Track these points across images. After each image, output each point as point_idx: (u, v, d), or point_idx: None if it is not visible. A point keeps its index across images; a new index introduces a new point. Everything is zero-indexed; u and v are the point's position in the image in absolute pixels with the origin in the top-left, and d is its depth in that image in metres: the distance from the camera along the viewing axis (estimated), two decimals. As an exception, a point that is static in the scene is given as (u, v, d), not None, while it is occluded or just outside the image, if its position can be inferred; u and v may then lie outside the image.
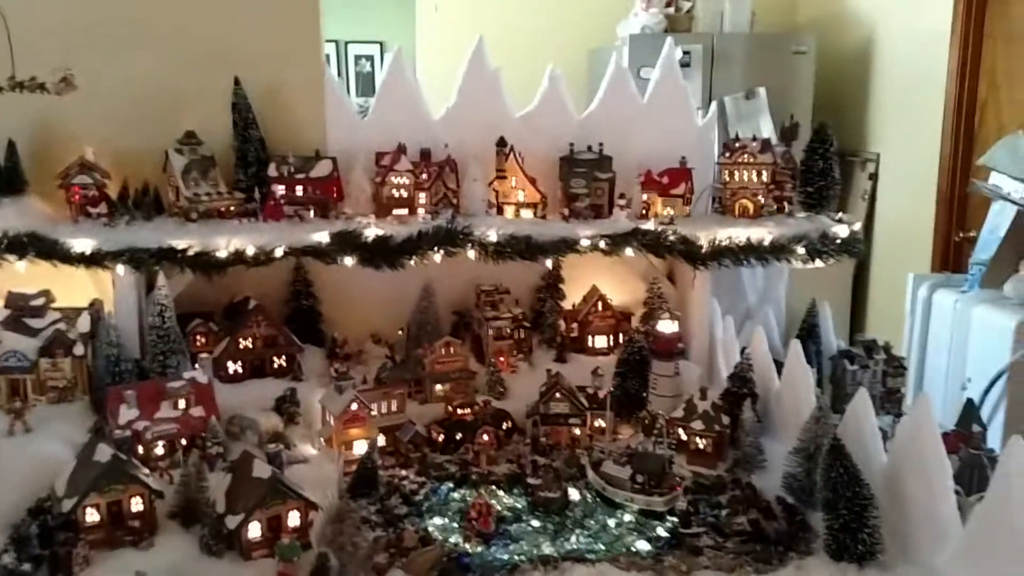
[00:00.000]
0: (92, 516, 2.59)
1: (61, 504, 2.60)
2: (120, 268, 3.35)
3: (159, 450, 3.04)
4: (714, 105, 4.40)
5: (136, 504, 2.65)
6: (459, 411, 3.46)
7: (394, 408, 3.36)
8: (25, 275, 3.38)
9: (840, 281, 6.20)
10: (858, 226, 3.87)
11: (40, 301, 3.39)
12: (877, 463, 2.76)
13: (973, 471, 2.83)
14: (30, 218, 3.42)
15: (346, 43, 10.10)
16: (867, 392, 2.90)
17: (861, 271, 6.30)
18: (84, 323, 3.37)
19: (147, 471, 2.82)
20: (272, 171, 3.69)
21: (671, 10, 6.55)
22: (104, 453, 2.67)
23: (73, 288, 3.55)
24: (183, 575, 2.41)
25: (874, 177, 6.28)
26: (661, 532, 2.81)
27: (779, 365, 3.46)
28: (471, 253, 3.58)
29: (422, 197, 3.75)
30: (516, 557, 2.62)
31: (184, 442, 3.08)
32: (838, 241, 3.73)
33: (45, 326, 3.34)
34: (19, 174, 3.56)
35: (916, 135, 5.82)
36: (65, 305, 3.46)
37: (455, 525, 2.83)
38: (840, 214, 3.93)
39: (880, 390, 3.79)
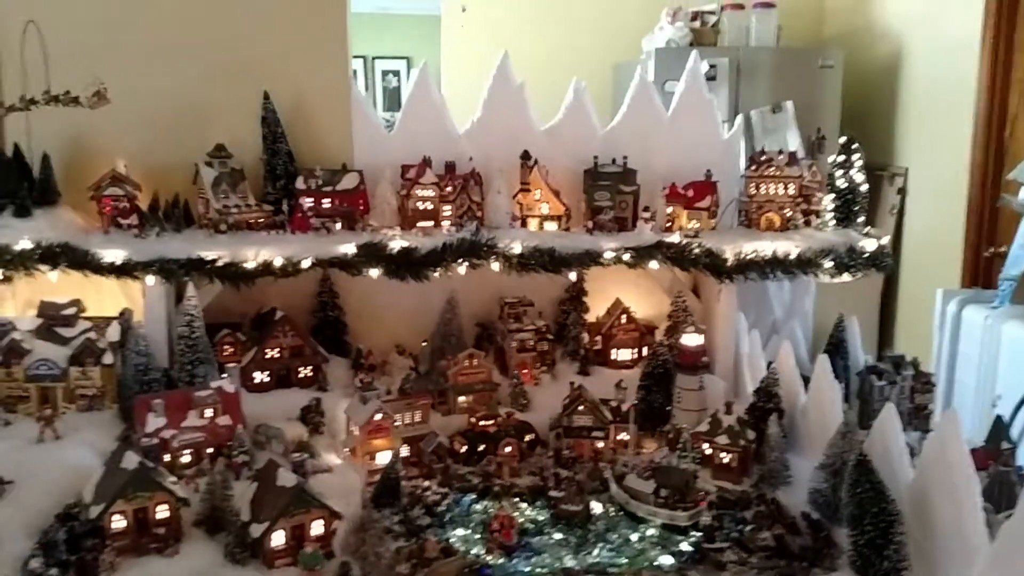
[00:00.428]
0: (119, 523, 2.62)
1: (88, 510, 2.63)
2: (150, 278, 3.40)
3: (186, 458, 3.07)
4: (740, 118, 4.39)
5: (162, 511, 2.67)
6: (482, 423, 3.47)
7: (418, 419, 3.37)
8: (57, 285, 3.44)
9: (868, 296, 6.14)
10: (886, 240, 3.85)
11: (71, 310, 3.45)
12: (904, 479, 2.72)
13: (1002, 488, 2.77)
14: (62, 229, 3.49)
15: (373, 58, 10.21)
16: (895, 408, 2.87)
17: (889, 286, 6.23)
18: (114, 332, 3.42)
19: (173, 479, 2.85)
20: (300, 184, 3.73)
21: (697, 24, 6.55)
22: (131, 461, 2.70)
23: (103, 298, 3.61)
24: (207, 583, 2.43)
25: (903, 191, 6.22)
26: (684, 547, 2.79)
27: (806, 380, 3.43)
28: (495, 265, 3.59)
29: (447, 210, 3.77)
30: (538, 570, 2.62)
31: (210, 450, 3.11)
32: (866, 255, 3.70)
33: (76, 335, 3.39)
34: (52, 186, 3.64)
35: (945, 148, 5.76)
36: (96, 315, 3.52)
37: (477, 537, 2.83)
38: (868, 228, 3.90)
39: (908, 406, 3.74)
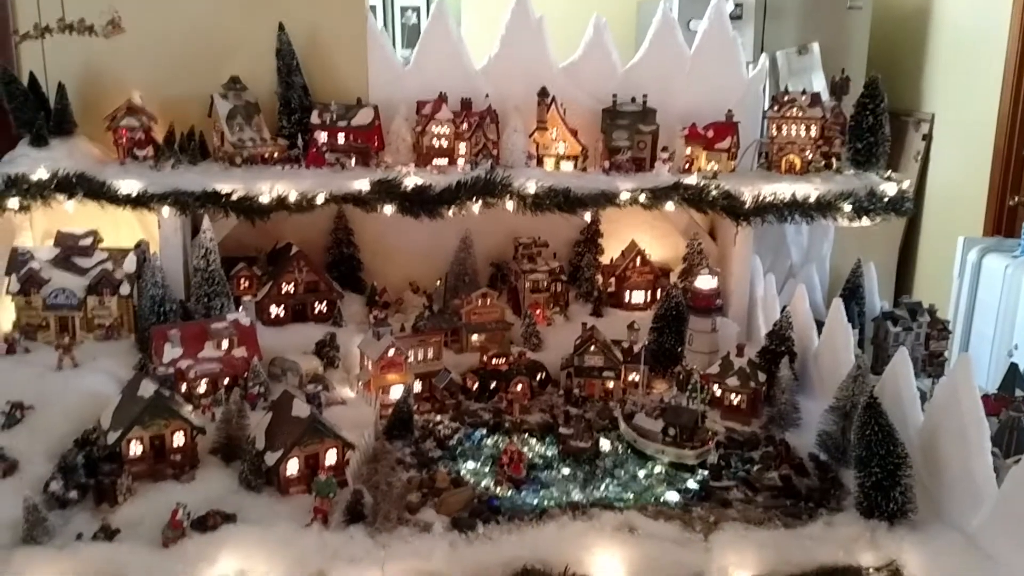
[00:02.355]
0: (136, 449, 2.68)
1: (106, 436, 2.68)
2: (165, 210, 3.41)
3: (201, 388, 3.11)
4: (764, 58, 4.29)
5: (178, 439, 2.72)
6: (494, 361, 3.49)
7: (430, 356, 3.39)
8: (73, 216, 3.46)
9: (887, 242, 6.07)
10: (907, 184, 3.79)
11: (88, 241, 3.48)
12: (913, 423, 2.72)
13: (1012, 434, 2.78)
14: (79, 159, 3.50)
15: (393, -5, 10.03)
16: (907, 351, 2.86)
17: (910, 233, 6.16)
18: (130, 263, 3.45)
19: (190, 408, 2.90)
20: (314, 118, 3.71)
21: (723, -38, 6.37)
22: (148, 389, 2.74)
23: (120, 229, 3.64)
24: (223, 508, 2.48)
25: (928, 138, 6.10)
26: (691, 484, 2.81)
27: (820, 325, 3.42)
28: (509, 204, 3.57)
29: (462, 147, 3.74)
30: (546, 502, 2.66)
31: (226, 381, 3.15)
32: (886, 199, 3.64)
33: (93, 265, 3.43)
34: (68, 116, 3.64)
35: (973, 96, 5.63)
36: (112, 246, 3.54)
37: (487, 470, 2.87)
38: (889, 172, 3.84)
39: (922, 353, 3.74)
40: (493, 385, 3.39)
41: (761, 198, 3.58)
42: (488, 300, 3.70)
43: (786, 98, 3.85)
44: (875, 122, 3.78)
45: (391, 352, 3.21)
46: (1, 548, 2.29)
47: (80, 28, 3.35)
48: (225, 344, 3.19)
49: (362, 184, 3.48)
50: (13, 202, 3.35)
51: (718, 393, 3.27)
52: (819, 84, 5.74)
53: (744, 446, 3.03)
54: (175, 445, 2.72)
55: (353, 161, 3.66)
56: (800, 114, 3.81)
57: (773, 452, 2.96)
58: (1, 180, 3.33)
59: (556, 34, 3.95)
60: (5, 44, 3.63)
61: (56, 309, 3.35)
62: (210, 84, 3.68)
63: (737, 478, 2.81)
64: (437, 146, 3.71)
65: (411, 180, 3.51)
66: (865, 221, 3.65)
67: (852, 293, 3.89)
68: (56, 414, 2.86)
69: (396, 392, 3.16)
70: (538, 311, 3.84)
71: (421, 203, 3.50)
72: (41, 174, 3.34)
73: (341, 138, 3.69)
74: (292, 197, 3.43)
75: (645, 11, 6.52)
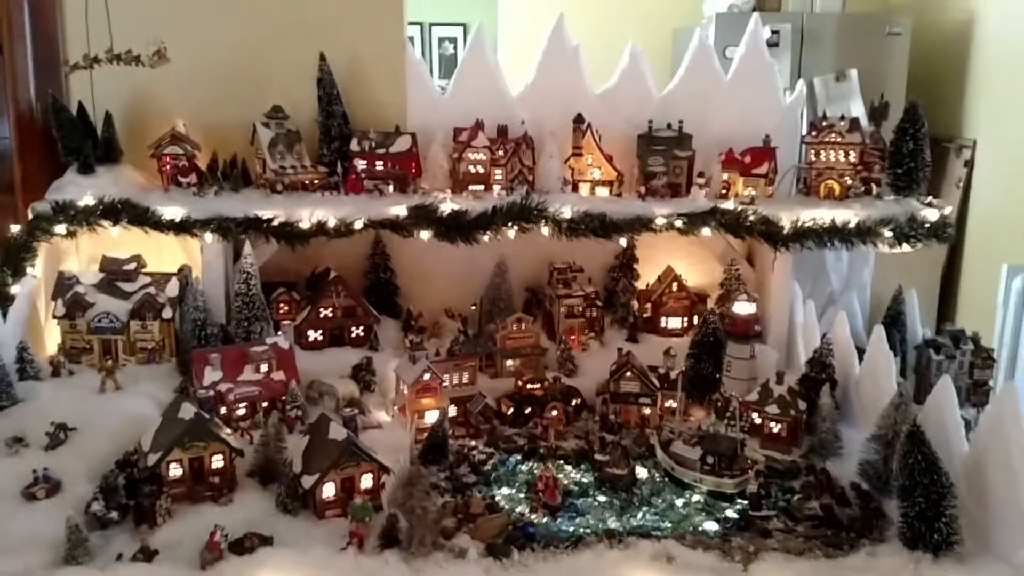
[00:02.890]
0: (175, 471, 2.71)
1: (147, 458, 2.72)
2: (208, 236, 3.48)
3: (240, 411, 3.15)
4: (801, 84, 4.28)
5: (217, 461, 2.75)
6: (529, 386, 3.48)
7: (465, 380, 3.40)
8: (118, 240, 3.54)
9: (929, 269, 5.97)
10: (949, 210, 3.73)
11: (132, 266, 3.55)
12: (958, 452, 2.66)
13: (1063, 465, 2.70)
14: (124, 186, 3.59)
15: (430, 25, 10.18)
16: (950, 380, 2.80)
17: (952, 260, 6.06)
18: (173, 288, 3.51)
19: (228, 430, 2.93)
20: (354, 146, 3.76)
21: (760, -11, 6.39)
22: (188, 411, 2.78)
23: (163, 254, 3.71)
24: (260, 531, 2.49)
25: (969, 164, 6.01)
26: (730, 514, 2.77)
27: (861, 353, 3.36)
28: (545, 230, 3.58)
29: (498, 173, 3.77)
30: (582, 529, 2.63)
31: (265, 404, 3.18)
32: (927, 225, 3.59)
33: (136, 290, 3.50)
34: (115, 144, 3.74)
35: (1016, 121, 5.54)
36: (155, 271, 3.61)
37: (522, 496, 2.85)
38: (930, 198, 3.79)
39: (966, 382, 3.65)
40: (528, 410, 3.38)
41: (800, 223, 3.55)
42: (523, 325, 3.71)
43: (825, 123, 3.82)
44: (915, 147, 3.74)
45: (426, 376, 3.22)
46: (43, 568, 2.32)
47: (127, 58, 3.45)
48: (264, 368, 3.23)
49: (399, 210, 3.52)
50: (60, 228, 3.44)
51: (757, 421, 3.23)
52: (857, 111, 5.70)
53: (784, 475, 2.98)
54: (214, 467, 2.75)
55: (391, 187, 3.70)
56: (839, 139, 3.78)
57: (814, 481, 2.90)
58: (49, 206, 3.43)
59: (592, 61, 3.98)
60: (56, 74, 3.75)
61: (100, 333, 3.41)
62: (253, 112, 3.75)
63: (777, 508, 2.77)
64: (473, 172, 3.74)
65: (447, 206, 3.54)
66: (906, 247, 3.60)
67: (893, 320, 3.83)
68: (99, 436, 2.90)
69: (431, 416, 3.17)
70: (573, 336, 3.83)
71: (457, 228, 3.53)
72: (88, 201, 3.43)
73: (379, 165, 3.74)
74: (331, 223, 3.47)
75: (680, 38, 6.54)
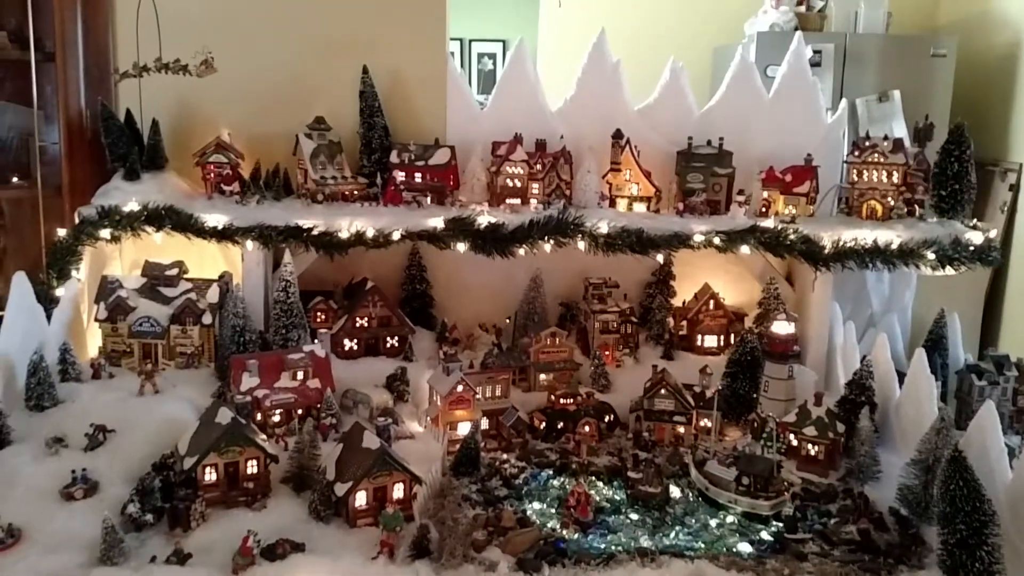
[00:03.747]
0: (210, 475, 2.73)
1: (183, 462, 2.75)
2: (249, 244, 3.52)
3: (276, 417, 3.17)
4: (844, 103, 4.24)
5: (252, 467, 2.77)
6: (562, 401, 3.46)
7: (498, 393, 3.39)
8: (161, 246, 3.60)
9: (973, 293, 5.86)
10: (994, 233, 3.66)
11: (174, 271, 3.60)
12: (1001, 480, 2.60)
13: (1111, 497, 2.62)
14: (168, 193, 3.64)
15: (470, 41, 10.27)
16: (994, 406, 2.74)
17: (996, 283, 5.93)
18: (213, 294, 3.56)
19: (264, 436, 2.95)
20: (394, 158, 3.80)
21: (802, 8, 6.34)
22: (225, 416, 2.80)
23: (205, 261, 3.76)
24: (292, 537, 2.50)
25: (1015, 188, 5.90)
26: (765, 536, 2.73)
27: (901, 376, 3.31)
28: (581, 244, 3.57)
29: (535, 187, 3.77)
30: (613, 547, 2.60)
31: (300, 411, 3.20)
32: (971, 248, 3.53)
33: (177, 295, 3.55)
34: (160, 151, 3.80)
35: (1064, 144, 5.44)
36: (197, 276, 3.66)
37: (553, 511, 2.84)
38: (975, 221, 3.73)
39: (1010, 408, 3.57)
40: (560, 425, 3.36)
41: (841, 243, 3.51)
42: (557, 339, 3.70)
43: (868, 143, 3.78)
44: (960, 169, 3.69)
45: (460, 388, 3.22)
46: (79, 567, 2.36)
47: (175, 68, 3.52)
48: (300, 375, 3.25)
49: (437, 222, 3.54)
50: (105, 232, 3.50)
51: (794, 443, 3.18)
52: (900, 131, 5.64)
53: (821, 498, 2.94)
54: (248, 472, 2.77)
55: (429, 199, 3.73)
56: (882, 160, 3.74)
57: (851, 505, 2.85)
58: (95, 211, 3.49)
59: (632, 77, 3.98)
60: (105, 82, 3.83)
61: (141, 336, 3.46)
62: (296, 123, 3.80)
63: (813, 531, 2.72)
64: (511, 186, 3.75)
65: (484, 218, 3.55)
66: (949, 270, 3.54)
67: (935, 344, 3.76)
68: (136, 438, 2.94)
69: (463, 428, 3.17)
70: (607, 352, 3.81)
71: (493, 241, 3.54)
72: (132, 206, 3.49)
73: (418, 177, 3.77)
74: (370, 233, 3.50)
75: (721, 57, 6.52)
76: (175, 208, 3.51)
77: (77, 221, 3.53)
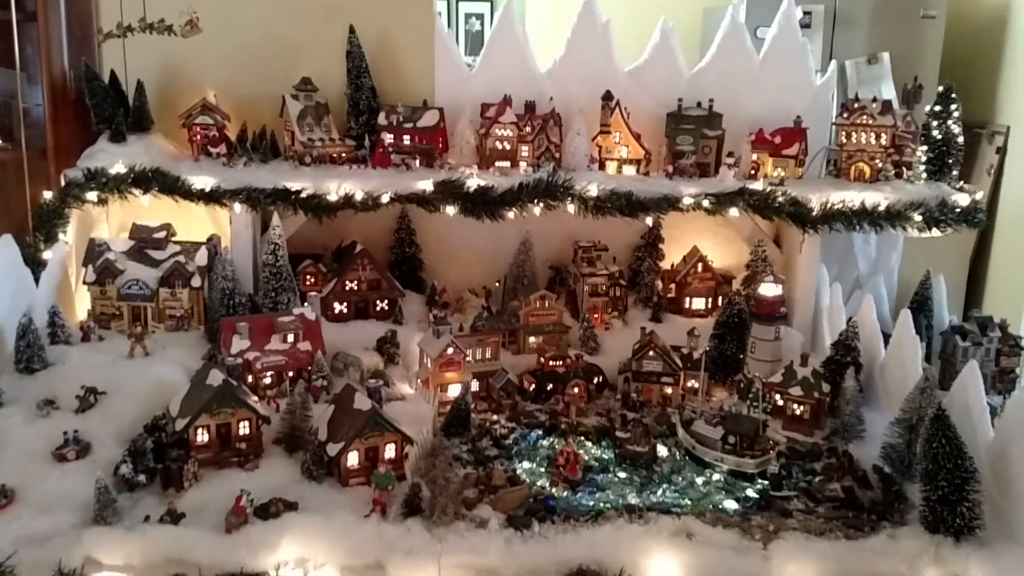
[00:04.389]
0: (202, 436, 2.75)
1: (175, 423, 2.76)
2: (237, 206, 3.51)
3: (267, 379, 3.18)
4: (833, 65, 4.23)
5: (244, 428, 2.79)
6: (551, 363, 3.49)
7: (488, 356, 3.42)
8: (148, 209, 3.57)
9: (958, 255, 5.88)
10: (980, 195, 3.69)
11: (162, 234, 3.58)
12: (983, 438, 2.65)
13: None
14: (155, 155, 3.61)
15: (457, 1, 10.14)
16: (977, 366, 2.78)
17: (982, 246, 5.96)
18: (202, 257, 3.55)
19: (255, 398, 2.97)
20: (382, 119, 3.77)
21: (793, -31, 6.29)
22: (216, 378, 2.82)
23: (192, 224, 3.74)
24: (285, 497, 2.53)
25: (1002, 151, 5.91)
26: (750, 493, 2.78)
27: (886, 337, 3.35)
28: (571, 207, 3.57)
29: (524, 150, 3.76)
30: (602, 504, 2.65)
31: (291, 374, 3.22)
32: (958, 210, 3.56)
33: (166, 258, 3.54)
34: (146, 113, 3.76)
35: (1052, 107, 5.44)
36: (184, 239, 3.65)
37: (542, 470, 2.88)
38: (962, 183, 3.75)
39: (992, 369, 3.63)
40: (550, 387, 3.39)
41: (829, 205, 3.53)
42: (546, 302, 3.72)
43: (857, 105, 3.78)
44: (948, 131, 3.70)
45: (450, 351, 3.24)
46: (72, 527, 2.38)
47: (160, 28, 3.47)
48: (291, 338, 3.26)
49: (426, 184, 3.52)
50: (92, 195, 3.48)
51: (780, 402, 3.23)
52: (889, 94, 5.61)
53: (806, 457, 2.98)
54: (241, 434, 2.79)
55: (418, 162, 3.71)
56: (871, 122, 3.74)
57: (836, 463, 2.90)
58: (81, 173, 3.46)
59: (622, 38, 3.94)
60: (89, 42, 3.78)
61: (129, 299, 3.46)
62: (282, 85, 3.76)
63: (798, 488, 2.77)
64: (500, 148, 3.74)
65: (474, 181, 3.54)
66: (936, 232, 3.57)
67: (920, 306, 3.80)
68: (127, 400, 2.95)
69: (454, 390, 3.19)
70: (596, 315, 3.83)
71: (483, 204, 3.53)
72: (119, 168, 3.47)
73: (407, 139, 3.74)
74: (358, 196, 3.49)
75: (711, 17, 6.46)
76: (162, 170, 3.48)
77: (63, 183, 3.50)
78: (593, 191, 3.55)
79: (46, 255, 3.46)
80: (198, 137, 3.70)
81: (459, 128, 3.82)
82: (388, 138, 3.73)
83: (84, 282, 3.46)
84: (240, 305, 3.44)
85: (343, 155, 3.75)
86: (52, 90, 3.72)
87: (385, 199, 3.52)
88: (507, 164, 3.74)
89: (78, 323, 3.40)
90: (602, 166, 3.82)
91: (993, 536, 2.44)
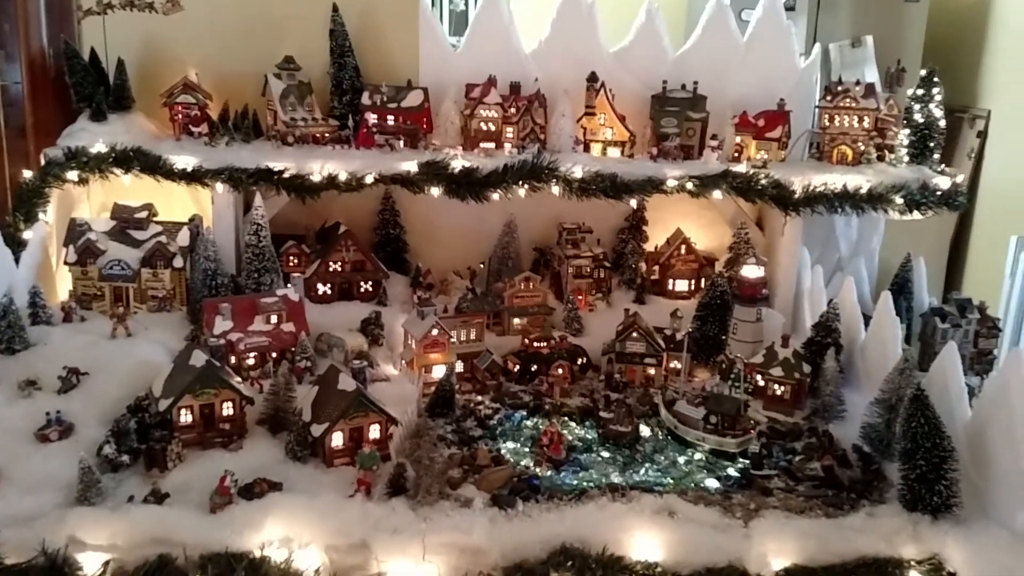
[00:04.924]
0: (186, 417, 2.74)
1: (158, 404, 2.75)
2: (219, 186, 3.48)
3: (251, 360, 3.17)
4: (817, 47, 4.24)
5: (227, 408, 2.78)
6: (535, 344, 3.50)
7: (473, 337, 3.42)
8: (129, 189, 3.54)
9: (938, 238, 5.93)
10: (961, 178, 3.73)
11: (143, 214, 3.56)
12: (961, 418, 2.68)
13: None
14: (136, 134, 3.58)
15: (442, -19, 10.07)
16: (955, 347, 2.81)
17: (962, 229, 6.02)
18: (184, 237, 3.52)
19: (239, 379, 2.95)
20: (365, 99, 3.74)
21: (777, -48, 6.28)
22: (199, 359, 2.80)
23: (174, 204, 3.71)
24: (270, 477, 2.53)
25: (983, 135, 5.95)
26: (732, 472, 2.81)
27: (867, 319, 3.37)
28: (555, 189, 3.57)
29: (509, 131, 3.75)
30: (585, 483, 2.67)
31: (275, 355, 3.21)
32: (939, 193, 3.59)
33: (148, 238, 3.51)
34: (127, 91, 3.72)
35: (1033, 92, 5.48)
36: (166, 219, 3.62)
37: (527, 450, 2.89)
38: (943, 166, 3.78)
39: (971, 351, 3.67)
40: (534, 368, 3.41)
41: (811, 188, 3.55)
42: (531, 284, 3.72)
43: (840, 88, 3.80)
44: (930, 115, 3.72)
45: (434, 332, 3.24)
46: (56, 507, 2.37)
47: (141, 4, 3.44)
48: (274, 319, 3.25)
49: (410, 165, 3.51)
50: (72, 174, 3.44)
51: (761, 383, 3.25)
52: (872, 77, 5.63)
53: (786, 436, 3.02)
54: (224, 414, 2.78)
55: (402, 143, 3.69)
56: (854, 105, 3.76)
57: (816, 443, 2.94)
58: (62, 152, 3.43)
59: (607, 20, 3.93)
60: (68, 20, 3.73)
61: (111, 280, 3.43)
62: (265, 63, 3.73)
63: (779, 467, 2.80)
64: (485, 129, 3.73)
65: (458, 163, 3.53)
66: (916, 215, 3.60)
67: (901, 288, 3.84)
68: (110, 381, 2.93)
69: (438, 371, 3.20)
70: (580, 296, 3.84)
71: (468, 186, 3.52)
72: (100, 148, 3.43)
73: (391, 120, 3.73)
74: (342, 176, 3.47)
75: (696, 1, 6.45)
76: (143, 150, 3.45)
77: (43, 163, 3.46)
78: (578, 173, 3.55)
79: (26, 235, 3.43)
80: (180, 116, 3.67)
81: (444, 109, 3.81)
82: (372, 118, 3.71)
83: (65, 262, 3.44)
84: (223, 286, 3.43)
85: (326, 135, 3.73)
86: (31, 68, 3.67)
87: (369, 180, 3.51)
88: (492, 145, 3.73)
89: (60, 304, 3.38)
90: (587, 148, 3.82)
91: (970, 514, 2.47)
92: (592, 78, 3.79)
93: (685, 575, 2.32)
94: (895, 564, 2.35)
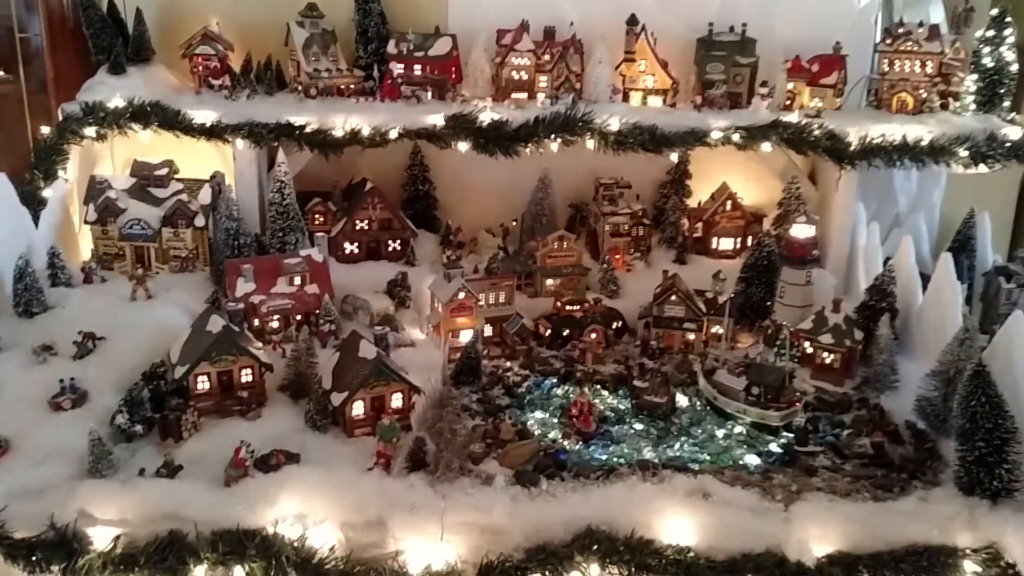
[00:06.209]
0: (203, 384, 2.66)
1: (174, 371, 2.67)
2: (239, 142, 3.35)
3: (273, 323, 3.08)
4: (877, -15, 3.95)
5: (246, 375, 2.70)
6: (568, 307, 3.35)
7: (502, 299, 3.28)
8: (154, 144, 3.43)
9: (1004, 192, 5.58)
10: (1034, 128, 3.44)
11: (164, 171, 3.45)
12: (1027, 395, 2.47)
13: None
14: (155, 87, 3.47)
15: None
16: (1022, 314, 2.58)
17: (1031, 182, 5.70)
18: (205, 195, 3.42)
19: (259, 344, 2.86)
20: (391, 48, 3.57)
21: None
22: (216, 324, 2.71)
23: (198, 160, 3.60)
24: (288, 447, 2.45)
25: (1059, 77, 5.58)
26: (774, 448, 2.65)
27: (926, 280, 3.15)
28: (590, 143, 3.37)
29: (543, 80, 3.55)
30: (615, 459, 2.54)
31: (298, 318, 3.11)
32: (1008, 144, 3.31)
33: (168, 196, 3.41)
34: (146, 43, 3.60)
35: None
36: (187, 177, 3.52)
37: (555, 420, 2.77)
38: (1013, 114, 3.50)
39: (1039, 313, 3.42)
40: (566, 333, 3.26)
41: (868, 140, 3.30)
42: (565, 243, 3.56)
43: (901, 30, 3.53)
44: (1000, 59, 3.44)
45: (461, 295, 3.11)
46: (67, 479, 2.31)
47: (157, -49, 3.28)
48: (298, 280, 3.15)
49: (436, 119, 3.34)
50: (90, 130, 3.35)
51: (809, 350, 3.07)
52: (937, 18, 5.26)
53: (834, 408, 2.84)
54: (243, 381, 2.70)
55: (429, 94, 3.51)
56: (916, 48, 3.49)
57: (866, 416, 2.76)
58: (79, 107, 3.33)
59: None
60: (84, -32, 3.60)
61: (131, 239, 3.36)
62: (287, 11, 3.59)
63: (825, 443, 2.64)
64: (516, 78, 3.53)
65: (487, 116, 3.34)
66: (983, 168, 3.33)
67: (963, 246, 3.60)
68: (127, 345, 2.86)
69: (465, 336, 3.07)
70: (617, 256, 3.67)
71: (497, 140, 3.34)
72: (117, 102, 3.33)
73: (417, 69, 3.55)
74: (365, 131, 3.32)
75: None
76: (161, 104, 3.33)
77: (60, 118, 3.37)
78: (614, 125, 3.34)
79: (46, 193, 3.35)
80: (200, 68, 3.54)
81: (473, 57, 3.61)
82: (398, 68, 3.54)
83: (85, 221, 3.37)
84: (246, 246, 3.32)
85: (351, 87, 3.57)
86: (49, 19, 3.58)
87: (393, 135, 3.35)
88: (524, 96, 3.54)
89: (80, 264, 3.31)
90: (626, 97, 3.60)
91: (1033, 500, 2.28)
92: (632, 21, 3.56)
93: (719, 561, 2.18)
94: (948, 553, 2.19)
